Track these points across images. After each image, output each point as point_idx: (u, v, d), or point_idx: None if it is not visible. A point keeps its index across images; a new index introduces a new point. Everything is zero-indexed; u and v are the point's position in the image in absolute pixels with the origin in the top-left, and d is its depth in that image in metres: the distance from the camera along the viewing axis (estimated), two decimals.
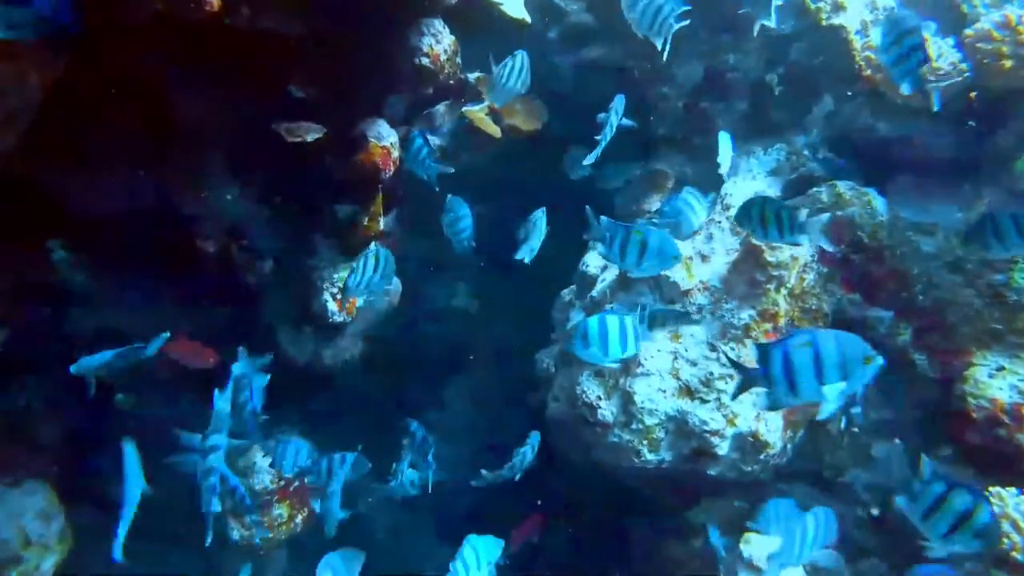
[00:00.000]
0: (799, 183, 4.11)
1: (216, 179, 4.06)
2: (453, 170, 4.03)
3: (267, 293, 4.40)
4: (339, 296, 4.26)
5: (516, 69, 3.73)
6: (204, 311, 4.33)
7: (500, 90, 3.70)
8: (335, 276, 4.24)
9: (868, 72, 3.97)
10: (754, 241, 3.63)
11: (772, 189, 4.11)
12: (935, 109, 3.33)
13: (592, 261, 4.16)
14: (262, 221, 4.22)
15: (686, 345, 3.70)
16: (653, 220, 4.10)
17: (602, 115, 3.81)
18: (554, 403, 4.01)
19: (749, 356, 3.65)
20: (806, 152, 4.16)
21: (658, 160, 4.66)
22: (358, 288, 3.71)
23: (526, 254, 4.01)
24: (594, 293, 3.94)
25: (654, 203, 4.56)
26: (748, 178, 4.15)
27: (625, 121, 3.86)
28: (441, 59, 4.07)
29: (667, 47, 3.36)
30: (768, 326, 3.68)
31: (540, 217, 3.96)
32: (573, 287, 4.46)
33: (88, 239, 3.91)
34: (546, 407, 4.07)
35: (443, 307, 5.68)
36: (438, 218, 4.26)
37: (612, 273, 4.01)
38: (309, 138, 3.98)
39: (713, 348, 3.68)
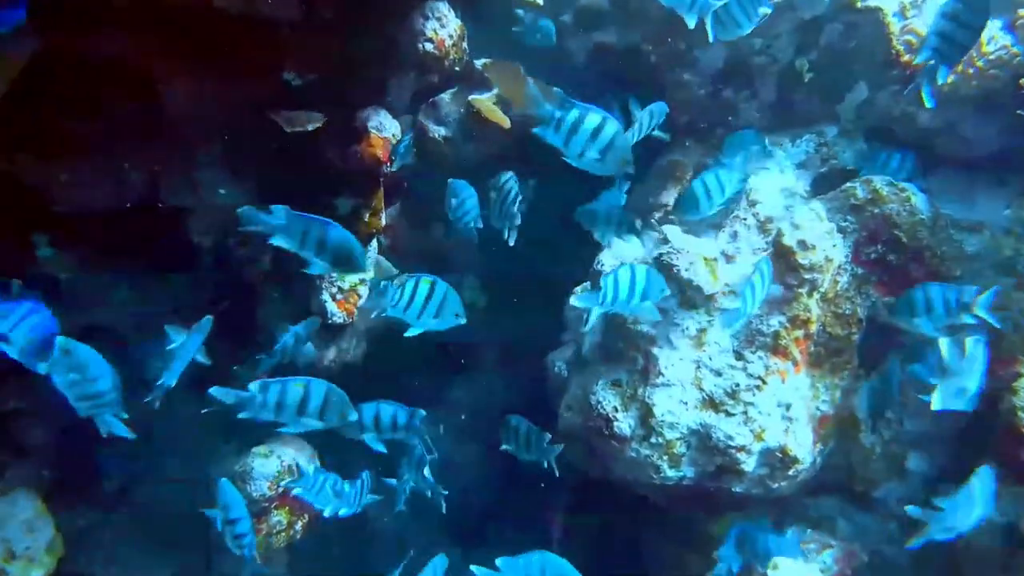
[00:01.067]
0: (830, 177, 3.73)
1: (209, 172, 3.70)
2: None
3: (265, 291, 4.06)
4: (339, 296, 3.91)
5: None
6: (200, 310, 3.99)
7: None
8: (335, 275, 3.88)
9: (907, 57, 3.58)
10: (785, 242, 3.26)
11: (801, 183, 3.73)
12: (929, 105, 2.92)
13: (607, 260, 3.79)
14: None
15: (710, 353, 3.33)
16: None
17: (639, 111, 3.49)
18: (567, 413, 3.66)
19: (779, 367, 3.29)
20: (838, 143, 3.76)
21: (676, 151, 4.27)
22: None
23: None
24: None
25: (670, 196, 4.18)
26: (775, 171, 3.76)
27: (659, 133, 3.56)
28: (446, 44, 3.69)
29: (708, 26, 2.94)
30: (799, 333, 3.32)
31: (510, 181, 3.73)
32: (587, 284, 4.10)
33: (75, 234, 3.58)
34: (558, 417, 3.72)
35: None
36: (444, 209, 3.95)
37: None
38: (310, 128, 3.64)
39: (740, 357, 3.32)
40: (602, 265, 3.80)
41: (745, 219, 3.58)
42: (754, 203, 3.61)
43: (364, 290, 3.98)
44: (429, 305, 3.15)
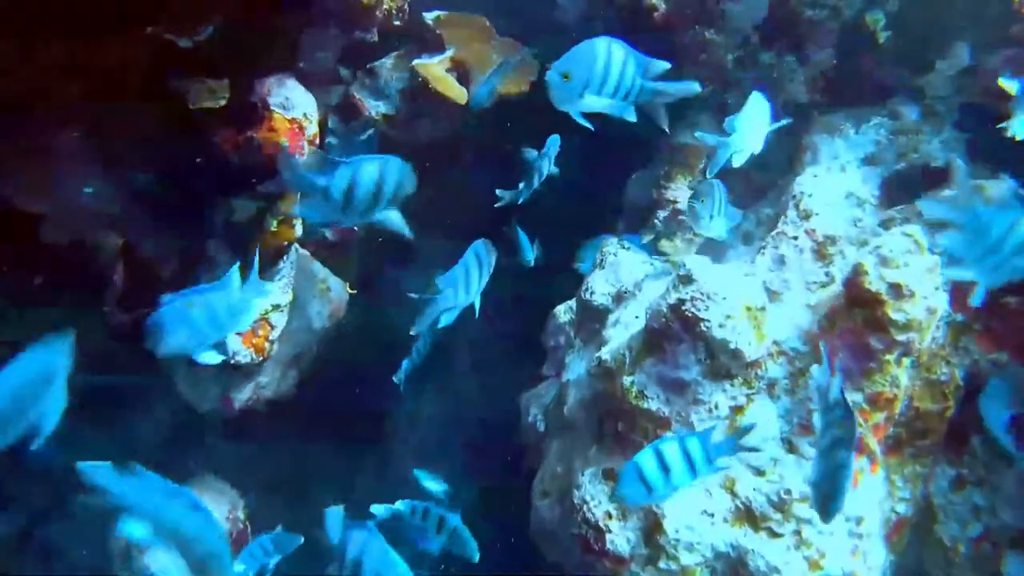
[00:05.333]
0: (909, 177, 2.38)
1: (68, 165, 2.40)
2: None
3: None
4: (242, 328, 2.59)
5: None
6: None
7: None
8: None
9: None
10: (869, 285, 1.91)
11: (868, 186, 2.38)
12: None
13: (598, 286, 2.45)
14: (138, 223, 2.55)
15: (748, 442, 2.02)
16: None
17: (532, 154, 2.40)
18: (542, 500, 2.35)
19: (858, 464, 1.98)
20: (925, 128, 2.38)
21: (689, 132, 2.91)
22: None
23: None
24: (604, 354, 2.19)
25: (679, 192, 2.84)
26: (834, 168, 2.41)
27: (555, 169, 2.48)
28: None
29: None
30: (880, 416, 2.00)
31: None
32: (571, 303, 2.79)
33: None
34: (531, 499, 2.42)
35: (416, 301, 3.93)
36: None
37: (632, 313, 2.30)
38: (214, 103, 2.37)
39: (792, 448, 2.01)
40: (592, 292, 2.47)
41: (795, 237, 2.24)
42: (807, 214, 2.27)
43: (279, 318, 2.67)
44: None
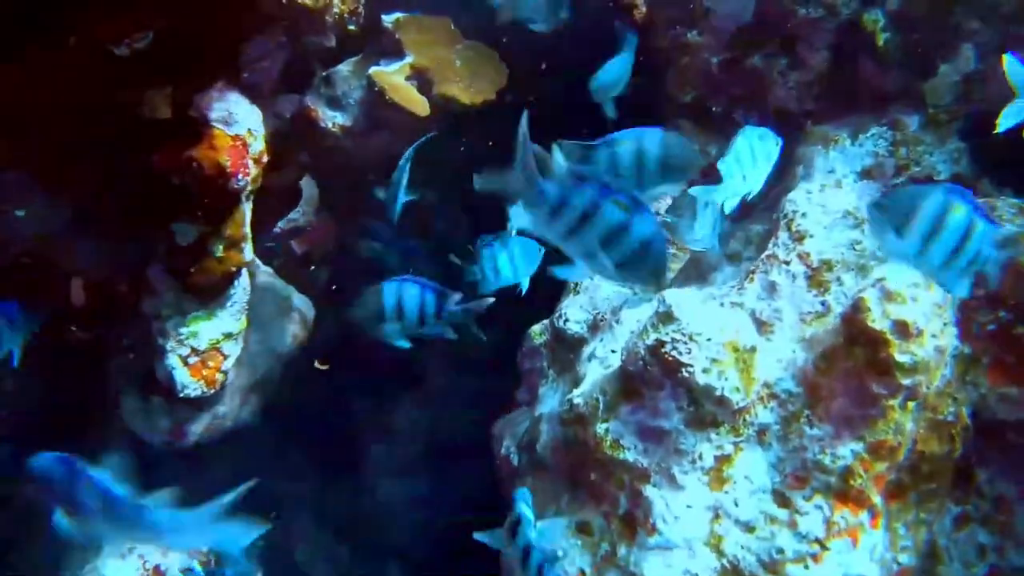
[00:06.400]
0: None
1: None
2: None
3: (101, 350, 2.51)
4: (193, 360, 2.33)
5: None
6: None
7: None
8: (183, 330, 2.30)
9: None
10: (872, 323, 1.66)
11: (865, 201, 2.10)
12: None
13: (572, 313, 2.19)
14: (77, 248, 2.29)
15: (736, 496, 1.77)
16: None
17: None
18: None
19: (849, 521, 1.73)
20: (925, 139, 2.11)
21: None
22: None
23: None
24: (576, 397, 1.92)
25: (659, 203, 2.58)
26: (829, 182, 2.14)
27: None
28: None
29: None
30: (882, 466, 1.75)
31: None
32: (546, 323, 2.53)
33: None
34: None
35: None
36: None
37: (608, 347, 2.04)
38: (155, 118, 2.11)
39: (784, 502, 1.76)
40: (565, 320, 2.21)
41: (787, 262, 1.98)
42: (800, 236, 2.01)
43: (231, 347, 2.41)
44: None
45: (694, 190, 1.85)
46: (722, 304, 1.95)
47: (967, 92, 2.12)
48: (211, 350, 2.41)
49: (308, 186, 3.00)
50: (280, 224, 2.99)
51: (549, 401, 2.23)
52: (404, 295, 2.16)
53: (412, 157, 2.32)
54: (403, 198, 2.41)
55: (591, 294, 2.19)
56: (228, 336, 2.42)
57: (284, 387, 2.91)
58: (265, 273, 2.92)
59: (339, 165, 2.52)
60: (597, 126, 2.82)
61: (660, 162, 1.62)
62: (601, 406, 1.80)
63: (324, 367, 2.83)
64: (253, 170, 2.16)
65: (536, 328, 2.61)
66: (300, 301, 2.95)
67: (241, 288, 2.44)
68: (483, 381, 3.07)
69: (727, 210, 1.91)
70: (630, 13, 2.63)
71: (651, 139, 1.60)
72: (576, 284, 2.29)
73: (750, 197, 1.97)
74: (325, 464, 3.20)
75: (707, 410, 1.72)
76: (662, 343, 1.70)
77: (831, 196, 2.12)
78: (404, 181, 2.30)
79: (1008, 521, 2.06)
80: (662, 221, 2.14)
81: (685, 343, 1.69)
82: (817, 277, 1.97)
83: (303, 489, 3.28)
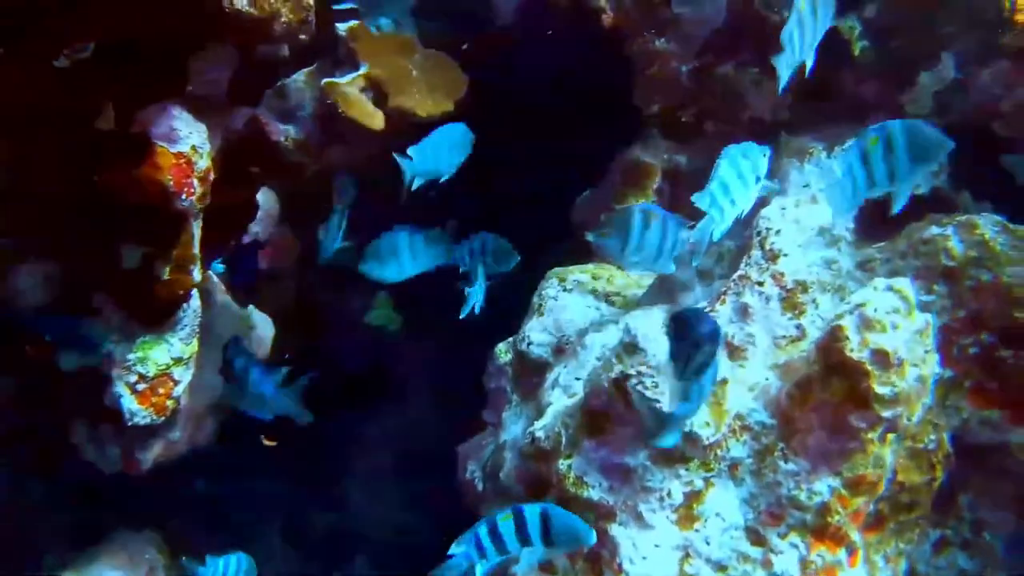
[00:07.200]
0: (887, 209, 1.99)
1: None
2: None
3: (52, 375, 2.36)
4: (141, 386, 2.18)
5: None
6: None
7: None
8: (130, 356, 2.15)
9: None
10: (851, 353, 1.54)
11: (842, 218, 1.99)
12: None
13: (536, 335, 2.06)
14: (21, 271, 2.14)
15: (707, 534, 1.64)
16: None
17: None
18: None
19: (826, 560, 1.62)
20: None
21: (641, 148, 2.52)
22: None
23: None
24: (538, 430, 1.79)
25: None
26: (804, 197, 2.02)
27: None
28: None
29: None
30: (861, 502, 1.63)
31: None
32: (511, 341, 2.39)
33: None
34: None
35: (355, 323, 3.52)
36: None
37: (573, 374, 1.91)
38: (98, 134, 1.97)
39: (758, 540, 1.63)
40: (529, 343, 2.08)
41: (760, 283, 1.86)
42: (774, 255, 1.88)
43: (182, 372, 2.26)
44: None
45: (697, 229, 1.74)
46: None
47: (947, 103, 2.01)
48: (161, 376, 2.24)
49: (268, 199, 2.86)
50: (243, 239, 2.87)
51: (512, 428, 2.09)
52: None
53: (349, 206, 2.28)
54: (336, 244, 2.34)
55: (556, 315, 2.06)
56: (178, 361, 2.25)
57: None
58: (222, 290, 2.78)
59: (296, 179, 2.37)
60: (562, 133, 2.71)
61: (910, 150, 1.54)
62: (564, 440, 1.67)
63: (271, 443, 2.69)
64: (199, 189, 2.01)
65: (502, 346, 2.47)
66: (259, 318, 2.81)
67: (192, 311, 2.28)
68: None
69: (717, 237, 1.79)
70: (597, 19, 2.50)
71: (897, 128, 1.54)
72: (540, 304, 2.16)
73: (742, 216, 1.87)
74: (286, 482, 3.06)
75: (673, 446, 1.60)
76: (627, 376, 1.57)
77: (806, 212, 1.99)
78: (340, 226, 2.25)
79: (989, 545, 1.97)
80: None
81: (651, 376, 1.56)
82: (792, 299, 1.84)
83: (269, 509, 3.15)
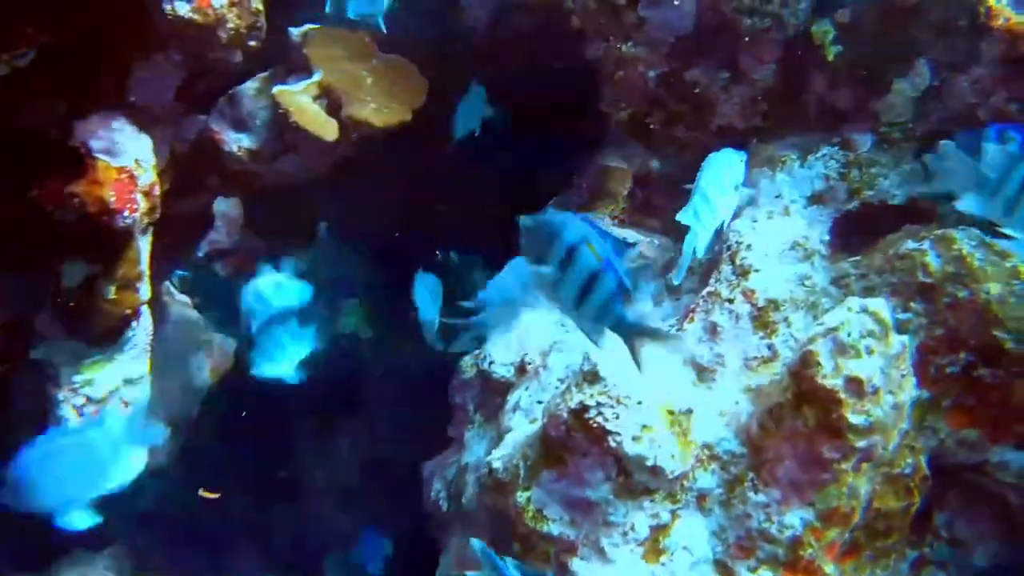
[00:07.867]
0: (863, 220, 1.89)
1: None
2: None
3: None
4: (88, 409, 2.07)
5: None
6: None
7: None
8: (77, 378, 2.03)
9: (1001, 22, 1.74)
10: (823, 380, 1.44)
11: (816, 231, 1.89)
12: None
13: (498, 354, 1.96)
14: None
15: (674, 567, 1.54)
16: None
17: None
18: None
19: None
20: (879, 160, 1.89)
21: (610, 153, 2.41)
22: None
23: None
24: (495, 460, 1.64)
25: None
26: (776, 209, 1.92)
27: None
28: (216, 3, 1.78)
29: None
30: (834, 533, 1.54)
31: None
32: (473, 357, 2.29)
33: None
34: None
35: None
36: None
37: (535, 397, 1.81)
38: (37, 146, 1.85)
39: (728, 574, 1.55)
40: (491, 363, 1.97)
41: (730, 300, 1.76)
42: (744, 270, 1.79)
43: (132, 393, 2.15)
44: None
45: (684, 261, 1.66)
46: None
47: (923, 110, 1.91)
48: (109, 398, 2.15)
49: (229, 205, 2.74)
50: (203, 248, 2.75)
51: (475, 449, 1.98)
52: None
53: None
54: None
55: (518, 332, 1.96)
56: (128, 382, 2.16)
57: (204, 425, 2.66)
58: (180, 304, 2.66)
59: (252, 188, 2.26)
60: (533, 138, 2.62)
61: None
62: (522, 472, 1.57)
63: (212, 496, 2.59)
64: (143, 204, 1.89)
65: (467, 360, 2.36)
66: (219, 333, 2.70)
67: (142, 329, 2.16)
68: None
69: (700, 252, 1.71)
70: (569, 20, 2.40)
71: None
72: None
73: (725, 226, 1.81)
74: (248, 503, 2.95)
75: (639, 479, 1.49)
76: (586, 407, 1.46)
77: (778, 225, 1.89)
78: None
79: (967, 563, 1.90)
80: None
81: (612, 407, 1.46)
82: (763, 317, 1.75)
83: (233, 526, 3.04)
